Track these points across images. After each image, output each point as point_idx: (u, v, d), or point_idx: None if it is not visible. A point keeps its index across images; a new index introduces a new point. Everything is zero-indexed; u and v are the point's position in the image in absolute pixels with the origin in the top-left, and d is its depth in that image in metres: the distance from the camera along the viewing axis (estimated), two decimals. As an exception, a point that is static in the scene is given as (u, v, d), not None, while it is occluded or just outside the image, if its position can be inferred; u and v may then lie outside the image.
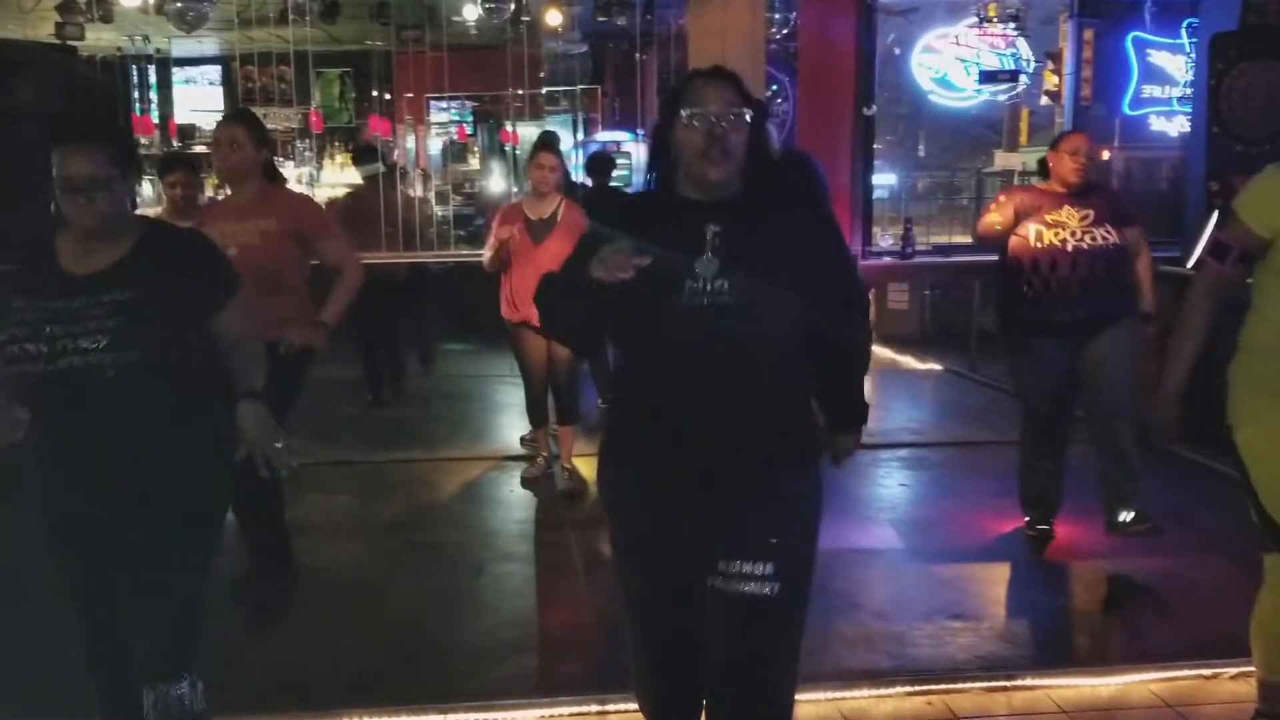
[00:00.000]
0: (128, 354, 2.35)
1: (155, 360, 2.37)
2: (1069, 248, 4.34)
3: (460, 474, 5.75)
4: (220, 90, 13.98)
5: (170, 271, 2.47)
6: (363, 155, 7.68)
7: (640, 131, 12.04)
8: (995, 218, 4.59)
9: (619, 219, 2.29)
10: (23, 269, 2.44)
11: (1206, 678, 3.36)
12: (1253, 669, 3.28)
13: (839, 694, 3.23)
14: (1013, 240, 4.50)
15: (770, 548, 2.22)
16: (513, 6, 9.25)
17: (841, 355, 2.46)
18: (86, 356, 2.33)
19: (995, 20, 10.53)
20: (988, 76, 10.76)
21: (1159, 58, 11.02)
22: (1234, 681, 3.33)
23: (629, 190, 8.47)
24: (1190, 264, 2.91)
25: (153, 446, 2.44)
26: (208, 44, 12.40)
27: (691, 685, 2.39)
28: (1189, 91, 9.79)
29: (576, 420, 5.59)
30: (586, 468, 5.48)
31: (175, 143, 11.79)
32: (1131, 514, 4.37)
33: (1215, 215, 2.89)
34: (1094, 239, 4.35)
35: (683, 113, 2.24)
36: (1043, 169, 4.63)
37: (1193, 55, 9.87)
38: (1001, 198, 4.73)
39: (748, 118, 2.25)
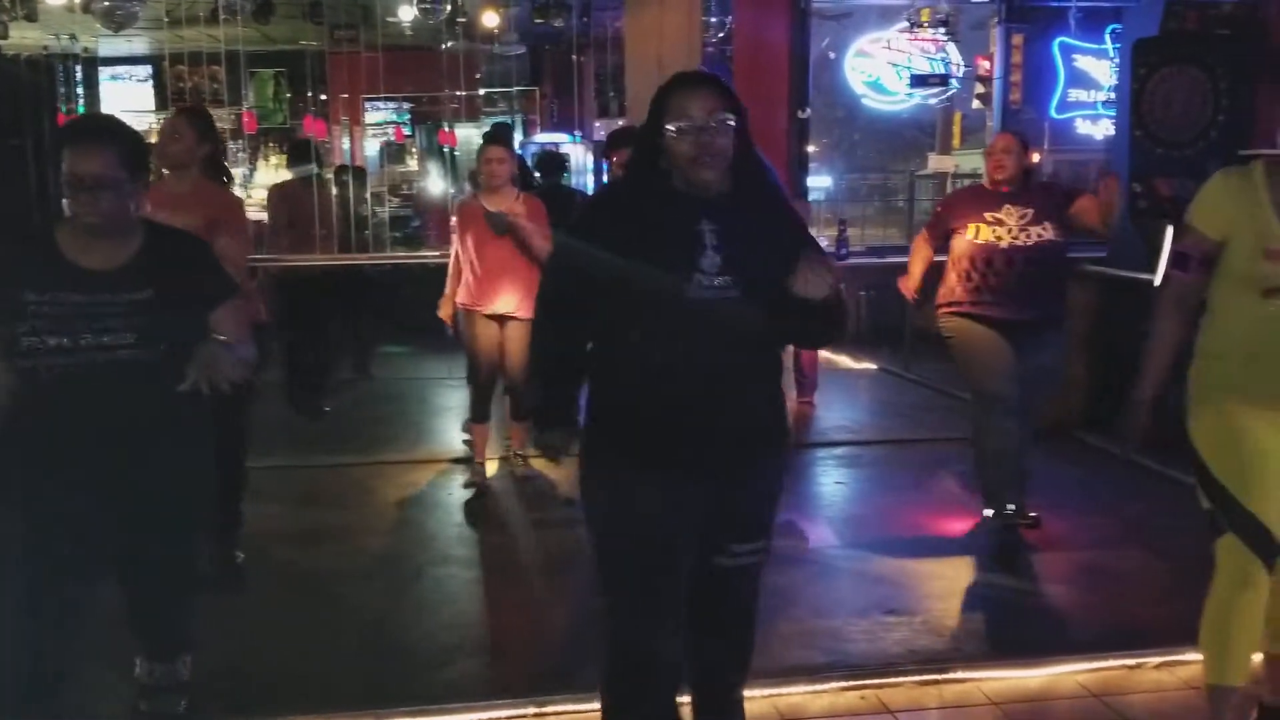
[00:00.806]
0: (152, 350, 2.43)
1: (173, 356, 2.42)
2: (1004, 245, 4.46)
3: (399, 477, 5.71)
4: (150, 89, 13.74)
5: (180, 272, 2.55)
6: (296, 156, 7.60)
7: (579, 134, 12.05)
8: (914, 271, 4.88)
9: (616, 212, 2.47)
10: (26, 262, 2.48)
11: (1131, 667, 3.43)
12: (1176, 658, 3.39)
13: (775, 690, 3.26)
14: (954, 240, 4.63)
15: (762, 527, 2.57)
16: (448, 7, 9.21)
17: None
18: (111, 352, 2.40)
19: (926, 25, 10.69)
20: (918, 80, 10.94)
21: (1084, 63, 11.28)
22: (1157, 671, 3.42)
23: (576, 190, 8.44)
24: (1156, 281, 3.02)
25: (157, 439, 2.50)
26: (137, 43, 12.18)
27: (672, 663, 2.50)
28: (1113, 96, 10.03)
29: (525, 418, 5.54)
30: (540, 463, 5.52)
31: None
32: (1013, 507, 4.62)
33: (1170, 231, 3.01)
34: (1029, 237, 4.45)
35: (669, 126, 2.34)
36: None
37: (1116, 60, 10.12)
38: (923, 234, 4.94)
39: (731, 121, 2.35)
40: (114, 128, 2.62)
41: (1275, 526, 2.71)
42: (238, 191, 10.84)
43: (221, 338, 2.49)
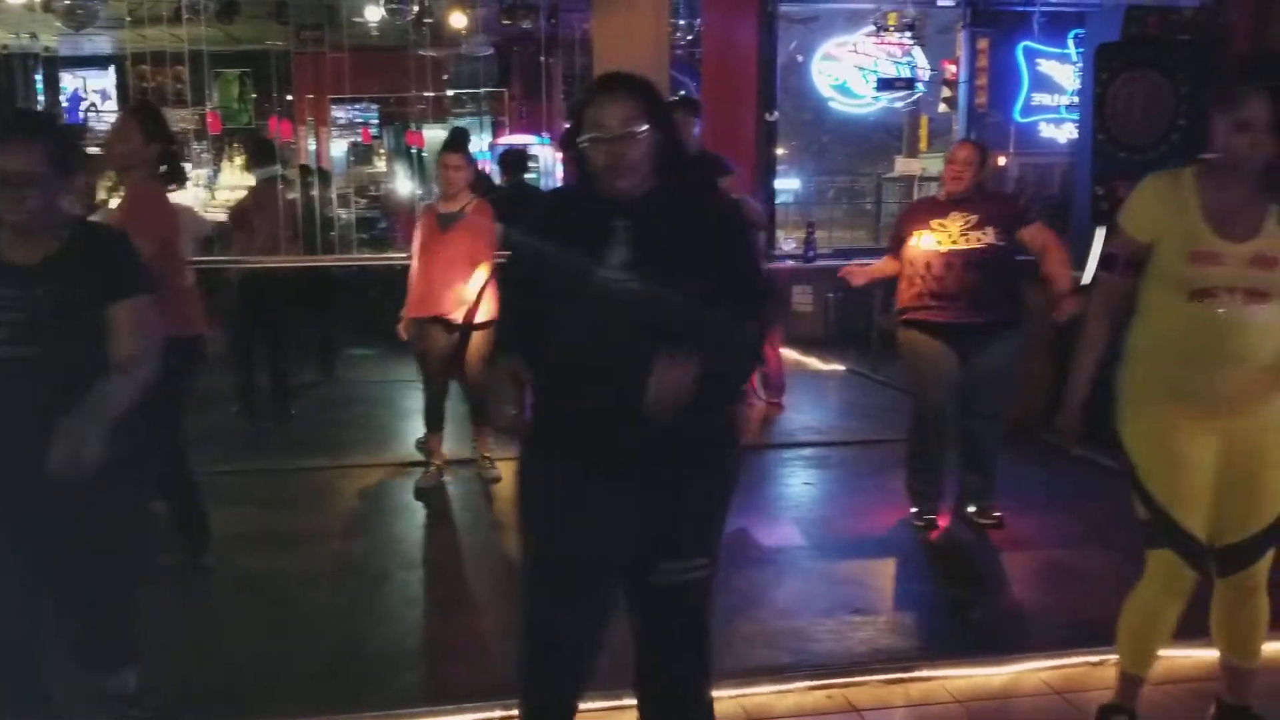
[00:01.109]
0: (24, 349, 2.35)
1: (56, 359, 2.36)
2: (944, 249, 4.53)
3: (365, 480, 5.68)
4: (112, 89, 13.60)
5: (88, 270, 2.46)
6: (260, 157, 7.53)
7: (546, 135, 12.04)
8: (872, 267, 5.07)
9: (539, 215, 2.52)
10: None
11: (1093, 664, 3.47)
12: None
13: (742, 690, 3.27)
14: (905, 247, 4.71)
15: (703, 543, 2.44)
16: (416, 8, 9.17)
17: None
18: None
19: (892, 29, 10.76)
20: (885, 84, 10.99)
21: (1048, 67, 11.39)
22: (1119, 668, 3.45)
23: (541, 190, 8.46)
24: (1086, 280, 3.06)
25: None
26: (99, 42, 12.05)
27: (576, 679, 2.52)
28: (1076, 100, 10.14)
29: (490, 420, 5.54)
30: (507, 467, 5.47)
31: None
32: (975, 508, 4.82)
33: (1102, 231, 3.06)
34: (969, 241, 4.52)
35: (581, 138, 2.32)
36: None
37: (1080, 65, 10.22)
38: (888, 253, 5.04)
39: (644, 133, 2.29)
40: (42, 124, 2.57)
41: (1202, 533, 2.78)
42: (201, 193, 10.81)
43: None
